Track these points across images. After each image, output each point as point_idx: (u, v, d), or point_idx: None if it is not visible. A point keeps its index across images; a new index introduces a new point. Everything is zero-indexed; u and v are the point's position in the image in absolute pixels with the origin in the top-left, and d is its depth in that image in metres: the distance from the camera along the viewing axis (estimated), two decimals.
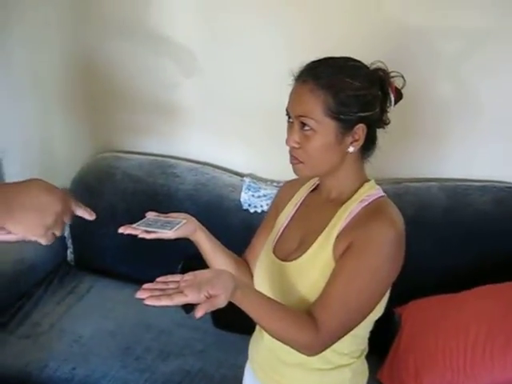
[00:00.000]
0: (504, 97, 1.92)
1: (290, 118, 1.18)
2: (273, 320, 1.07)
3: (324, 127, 1.12)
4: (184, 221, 1.25)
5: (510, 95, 1.92)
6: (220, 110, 2.30)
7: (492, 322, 1.60)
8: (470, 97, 1.96)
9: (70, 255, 2.51)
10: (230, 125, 2.30)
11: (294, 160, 1.17)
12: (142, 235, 1.19)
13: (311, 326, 1.08)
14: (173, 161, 2.37)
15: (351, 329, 1.13)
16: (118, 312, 2.15)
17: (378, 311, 1.21)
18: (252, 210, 2.17)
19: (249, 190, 2.19)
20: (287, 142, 1.17)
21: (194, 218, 1.29)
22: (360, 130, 1.14)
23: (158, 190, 2.28)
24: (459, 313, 1.70)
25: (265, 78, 2.12)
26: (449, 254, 1.93)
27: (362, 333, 1.24)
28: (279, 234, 1.32)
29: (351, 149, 1.15)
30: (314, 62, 1.17)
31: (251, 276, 1.39)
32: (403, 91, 1.22)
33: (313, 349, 1.11)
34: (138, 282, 2.34)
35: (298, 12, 2.02)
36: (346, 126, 1.13)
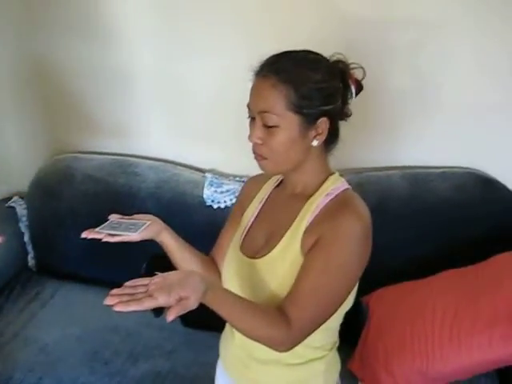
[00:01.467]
0: (460, 84, 1.95)
1: (251, 113, 1.16)
2: (244, 319, 1.06)
3: (287, 122, 1.10)
4: (148, 222, 1.23)
5: (465, 83, 1.94)
6: (179, 106, 2.27)
7: (458, 305, 1.63)
8: (427, 86, 1.98)
9: (30, 260, 2.44)
10: (190, 121, 2.27)
11: (258, 157, 1.16)
12: (106, 239, 1.17)
13: (282, 323, 1.07)
14: (133, 159, 2.34)
15: (322, 323, 1.13)
16: (83, 316, 2.11)
17: (348, 304, 1.21)
18: (215, 206, 2.15)
19: (211, 185, 2.17)
20: (250, 138, 1.15)
21: (158, 219, 1.27)
22: (323, 123, 1.13)
23: (120, 189, 2.25)
24: (425, 297, 1.72)
25: (224, 73, 2.11)
26: (412, 242, 1.96)
27: (332, 325, 1.24)
28: (246, 231, 1.31)
29: (315, 143, 1.14)
30: (273, 57, 1.15)
31: (219, 274, 1.37)
32: (363, 82, 1.22)
33: (285, 345, 1.10)
34: (103, 284, 2.32)
35: (257, 7, 2.01)
36: (308, 120, 1.11)
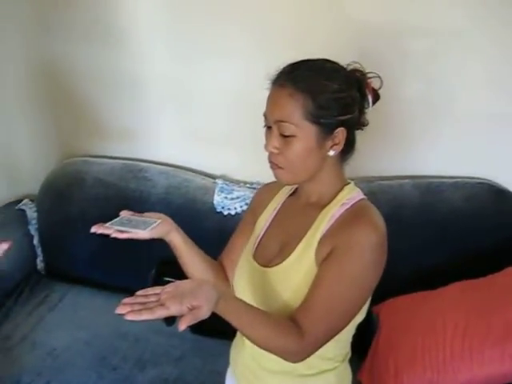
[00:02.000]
0: (473, 94, 1.94)
1: (267, 122, 1.15)
2: (256, 328, 1.05)
3: (304, 132, 1.09)
4: (159, 221, 1.22)
5: (478, 92, 1.93)
6: (190, 111, 2.27)
7: (469, 318, 1.61)
8: (439, 95, 1.97)
9: (39, 264, 2.44)
10: (201, 126, 2.27)
11: (274, 166, 1.15)
12: (114, 234, 1.16)
13: (295, 333, 1.06)
14: (143, 164, 2.34)
15: (335, 334, 1.12)
16: (92, 321, 2.10)
17: (361, 315, 1.20)
18: (225, 213, 2.14)
19: (222, 192, 2.17)
20: (266, 147, 1.14)
21: (169, 219, 1.27)
22: (340, 133, 1.12)
23: (130, 194, 2.24)
24: (436, 309, 1.70)
25: (237, 79, 2.10)
26: (424, 251, 1.94)
27: (345, 337, 1.23)
28: (259, 239, 1.30)
29: (332, 153, 1.14)
30: (290, 65, 1.15)
31: (227, 280, 1.37)
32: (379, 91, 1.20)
33: (297, 355, 1.09)
34: (112, 288, 2.32)
35: (270, 13, 2.00)
36: (326, 130, 1.11)
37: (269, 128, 1.15)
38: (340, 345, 1.24)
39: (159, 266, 2.10)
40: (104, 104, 2.38)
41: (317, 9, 1.96)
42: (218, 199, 2.16)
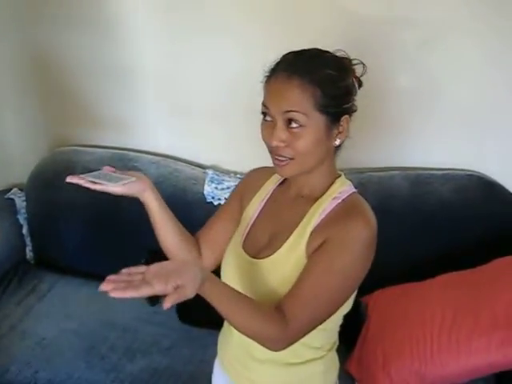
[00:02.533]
0: (463, 85, 1.94)
1: (267, 115, 1.12)
2: (240, 313, 1.05)
3: (314, 122, 1.08)
4: (133, 178, 1.19)
5: (468, 83, 1.93)
6: (181, 101, 2.26)
7: (457, 309, 1.62)
8: (430, 87, 1.97)
9: (28, 253, 2.43)
10: (192, 116, 2.26)
11: (282, 159, 1.11)
12: (86, 185, 1.14)
13: (279, 320, 1.06)
14: (134, 154, 2.32)
15: (319, 324, 1.12)
16: (81, 310, 2.10)
17: (347, 306, 1.21)
18: (216, 203, 2.14)
19: (212, 182, 2.16)
20: (269, 141, 1.10)
21: (148, 179, 1.24)
22: (345, 121, 1.12)
23: None
24: (425, 301, 1.71)
25: (228, 70, 2.09)
26: (413, 243, 1.95)
27: (332, 326, 1.24)
28: (248, 229, 1.29)
29: (337, 141, 1.13)
30: (291, 55, 1.13)
31: (200, 259, 1.34)
32: (363, 79, 1.20)
33: (280, 343, 1.09)
34: (101, 278, 2.31)
35: (261, 8, 1.99)
36: (333, 119, 1.10)
37: (269, 122, 1.11)
38: (327, 334, 1.24)
39: (149, 255, 2.09)
40: (94, 93, 2.36)
41: (306, 3, 1.95)
42: (208, 189, 2.15)
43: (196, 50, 2.14)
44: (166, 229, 1.28)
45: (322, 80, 1.08)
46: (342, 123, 1.12)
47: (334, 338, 1.29)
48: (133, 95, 2.31)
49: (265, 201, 1.30)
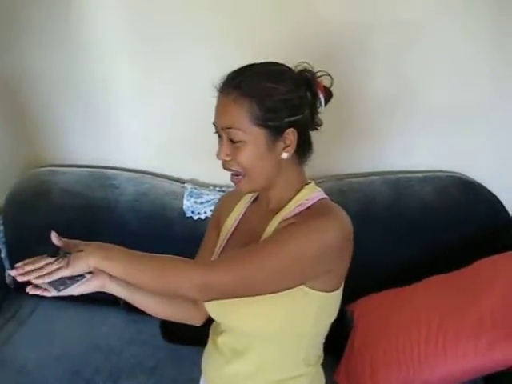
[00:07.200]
0: (438, 87, 1.94)
1: (217, 130, 1.14)
2: (148, 268, 1.06)
3: (253, 137, 1.08)
4: (88, 276, 1.15)
5: (444, 86, 1.93)
6: (155, 115, 2.23)
7: (443, 313, 1.61)
8: (407, 90, 1.96)
9: (7, 278, 2.37)
10: (167, 130, 2.23)
11: (236, 176, 1.13)
12: (43, 293, 1.16)
13: (192, 263, 1.09)
14: (110, 172, 2.28)
15: (244, 289, 1.07)
16: (63, 335, 2.05)
17: (333, 314, 1.19)
18: (196, 217, 2.11)
19: (191, 196, 2.13)
20: (218, 155, 1.13)
21: (103, 272, 1.16)
22: (290, 134, 1.11)
23: (98, 203, 2.19)
24: (410, 306, 1.70)
25: (202, 83, 2.06)
26: (396, 247, 1.93)
27: (316, 340, 1.23)
28: (221, 248, 1.28)
29: (285, 155, 1.12)
30: (234, 72, 1.14)
31: (194, 304, 1.35)
32: (336, 88, 1.19)
33: (193, 279, 1.04)
34: (82, 300, 2.26)
35: (222, 17, 1.97)
36: (275, 132, 1.09)
37: (220, 136, 1.14)
38: (312, 346, 1.23)
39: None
40: (69, 112, 2.31)
41: (284, 5, 1.93)
42: (187, 204, 2.13)
43: (169, 62, 2.11)
44: (147, 300, 1.27)
45: (259, 93, 1.07)
46: (286, 136, 1.10)
47: (319, 351, 1.28)
48: (108, 112, 2.27)
49: (238, 219, 1.29)
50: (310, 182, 1.21)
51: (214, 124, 1.14)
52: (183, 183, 2.24)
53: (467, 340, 1.52)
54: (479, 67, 1.89)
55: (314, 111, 1.16)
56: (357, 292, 1.81)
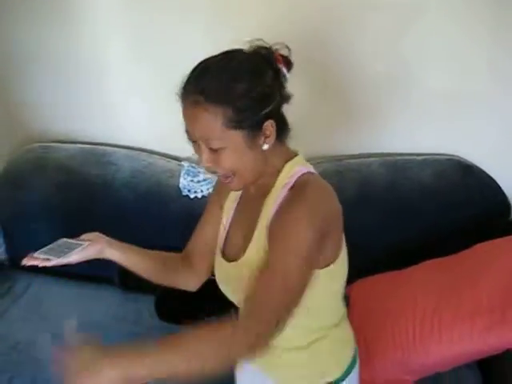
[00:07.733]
0: (440, 70, 1.91)
1: (192, 138, 1.10)
2: (184, 356, 1.05)
3: (231, 140, 1.05)
4: (86, 243, 1.20)
5: (446, 69, 1.91)
6: (154, 93, 2.19)
7: (438, 296, 1.61)
8: (407, 72, 1.94)
9: (2, 254, 2.36)
10: (165, 107, 2.19)
11: (225, 177, 1.11)
12: (42, 264, 1.17)
13: (222, 325, 1.03)
14: (107, 148, 2.27)
15: (289, 309, 1.06)
16: (58, 311, 2.04)
17: (344, 276, 1.22)
18: (192, 196, 2.10)
19: (188, 174, 2.12)
20: (200, 163, 1.11)
21: (102, 237, 1.24)
22: (269, 126, 1.08)
23: (94, 180, 2.18)
24: (406, 289, 1.70)
25: (194, 59, 2.03)
26: (393, 230, 1.93)
27: (331, 304, 1.25)
28: (224, 235, 1.28)
29: (265, 146, 1.10)
30: (193, 76, 1.09)
31: (190, 267, 1.35)
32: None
33: (235, 335, 1.02)
34: (77, 277, 2.25)
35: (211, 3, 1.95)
36: (253, 129, 1.06)
37: (196, 143, 1.09)
38: (323, 314, 1.24)
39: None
40: (66, 87, 2.28)
41: None
42: (184, 182, 2.11)
43: (169, 43, 2.08)
44: (142, 267, 1.30)
45: (227, 98, 1.03)
46: (266, 128, 1.08)
47: (334, 316, 1.29)
48: (105, 88, 2.25)
49: (237, 201, 1.28)
50: (294, 156, 1.18)
51: (186, 131, 1.09)
52: (180, 161, 2.22)
53: (463, 323, 1.52)
54: (483, 52, 1.87)
55: (281, 89, 1.12)
56: (352, 274, 1.79)
